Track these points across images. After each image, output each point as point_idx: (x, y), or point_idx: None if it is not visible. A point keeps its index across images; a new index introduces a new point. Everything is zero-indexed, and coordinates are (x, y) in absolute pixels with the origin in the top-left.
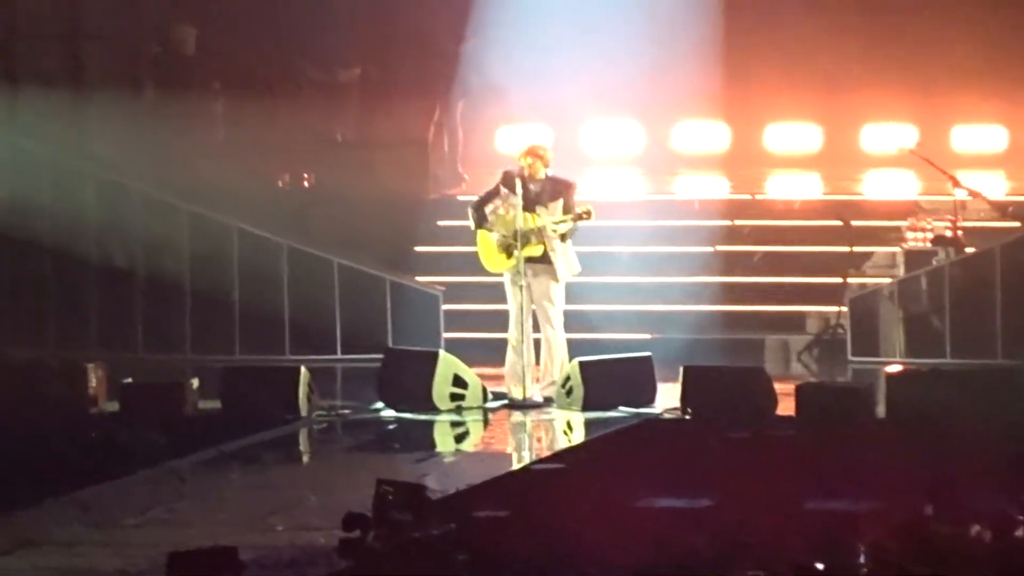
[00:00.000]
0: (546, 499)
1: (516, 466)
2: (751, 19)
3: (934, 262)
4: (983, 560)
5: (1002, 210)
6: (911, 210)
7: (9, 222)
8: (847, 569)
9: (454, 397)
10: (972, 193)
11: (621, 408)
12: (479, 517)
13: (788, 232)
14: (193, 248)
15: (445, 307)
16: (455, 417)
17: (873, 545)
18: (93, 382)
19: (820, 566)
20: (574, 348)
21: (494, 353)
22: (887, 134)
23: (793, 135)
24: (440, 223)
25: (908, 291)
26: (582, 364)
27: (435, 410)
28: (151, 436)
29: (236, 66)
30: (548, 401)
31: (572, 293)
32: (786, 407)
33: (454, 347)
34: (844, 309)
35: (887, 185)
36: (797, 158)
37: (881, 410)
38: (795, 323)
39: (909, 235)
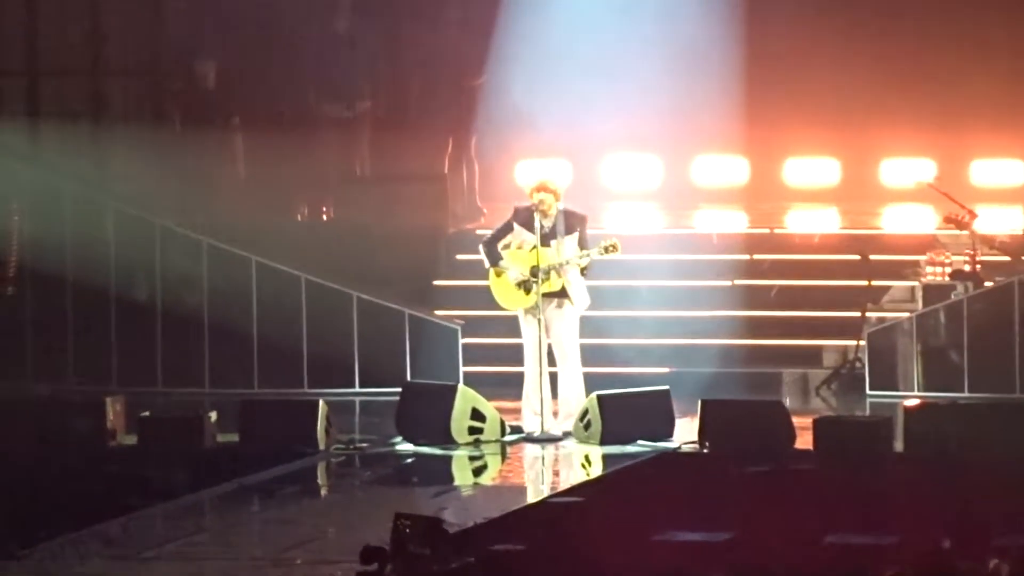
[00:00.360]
0: (564, 533)
1: (534, 500)
2: (770, 54)
3: (952, 296)
4: None
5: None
6: (930, 244)
7: (32, 256)
8: None
9: (472, 431)
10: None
11: (639, 442)
12: (497, 551)
13: (807, 266)
14: (212, 282)
15: (464, 341)
16: (473, 451)
17: None
18: (111, 415)
19: None
20: (592, 382)
21: (512, 387)
22: (906, 168)
23: (812, 169)
24: (459, 257)
25: (926, 325)
26: (600, 398)
27: (453, 444)
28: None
29: (255, 100)
30: (566, 435)
31: (590, 326)
32: (804, 441)
33: (473, 381)
34: (862, 343)
35: (906, 219)
36: (816, 192)
37: (899, 444)
38: (813, 357)
39: (928, 269)
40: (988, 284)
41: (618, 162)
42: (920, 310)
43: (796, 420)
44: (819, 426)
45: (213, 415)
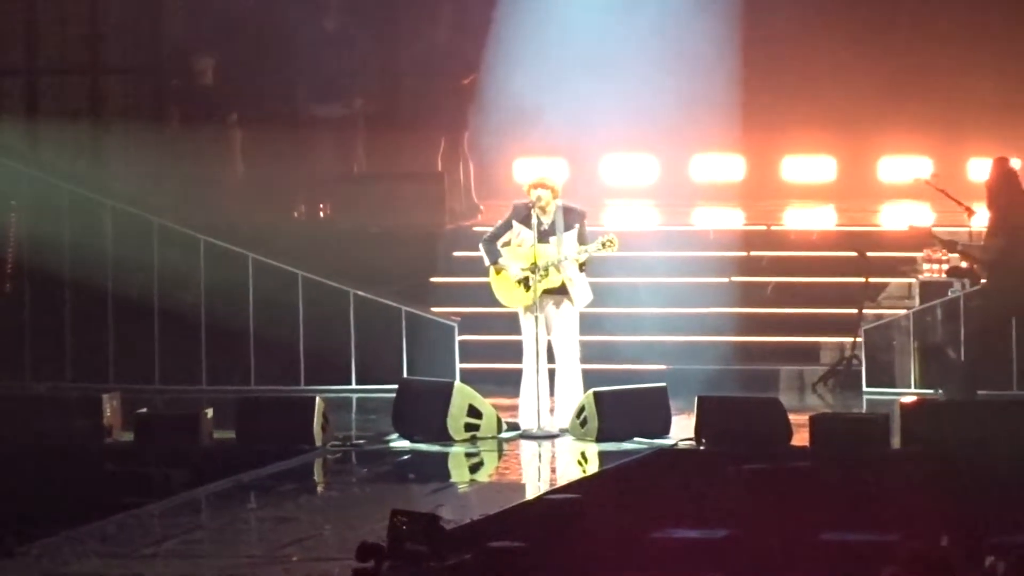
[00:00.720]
0: (561, 530)
1: (531, 497)
2: (768, 53)
3: (949, 293)
4: None
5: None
6: (927, 241)
7: (30, 254)
8: None
9: (469, 428)
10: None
11: (636, 439)
12: (494, 547)
13: (804, 263)
14: (209, 279)
15: (460, 338)
16: (470, 448)
17: None
18: (108, 412)
19: None
20: (589, 379)
21: (509, 384)
22: (903, 166)
23: (809, 167)
24: (456, 254)
25: (923, 322)
26: (597, 395)
27: (450, 441)
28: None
29: (253, 98)
30: (563, 432)
31: (588, 324)
32: (801, 438)
33: (469, 378)
34: (859, 340)
35: (903, 216)
36: (813, 189)
37: (896, 441)
38: (810, 354)
39: (924, 266)
40: (985, 281)
41: (616, 160)
42: (917, 307)
43: (793, 417)
44: (816, 423)
45: (210, 412)
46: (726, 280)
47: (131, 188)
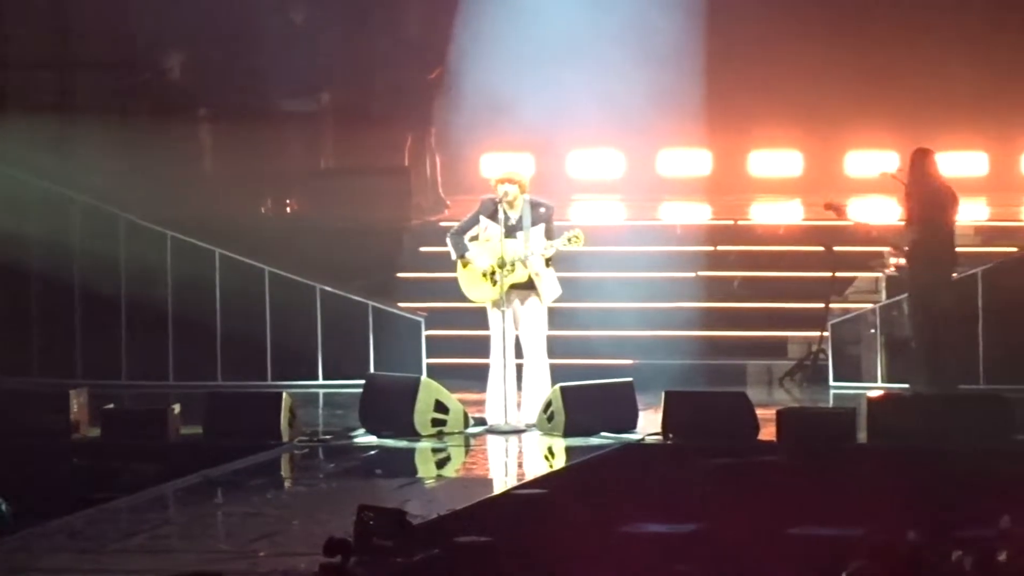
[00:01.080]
0: (528, 524)
1: (498, 492)
2: (735, 49)
3: None
4: None
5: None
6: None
7: None
8: None
9: (436, 423)
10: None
11: (603, 433)
12: (461, 543)
13: (771, 257)
14: (176, 275)
15: (427, 333)
16: (437, 443)
17: (856, 571)
18: (75, 408)
19: None
20: (556, 374)
21: (476, 379)
22: (870, 161)
23: (776, 162)
24: (422, 249)
25: (890, 316)
26: (563, 389)
27: (417, 436)
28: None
29: (221, 93)
30: (530, 427)
31: (555, 319)
32: (768, 432)
33: (436, 373)
34: (826, 334)
35: (870, 211)
36: (780, 184)
37: (863, 435)
38: (777, 348)
39: (891, 260)
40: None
41: (582, 155)
42: (884, 301)
43: (760, 411)
44: (783, 417)
45: (177, 408)
46: (693, 275)
47: (99, 183)
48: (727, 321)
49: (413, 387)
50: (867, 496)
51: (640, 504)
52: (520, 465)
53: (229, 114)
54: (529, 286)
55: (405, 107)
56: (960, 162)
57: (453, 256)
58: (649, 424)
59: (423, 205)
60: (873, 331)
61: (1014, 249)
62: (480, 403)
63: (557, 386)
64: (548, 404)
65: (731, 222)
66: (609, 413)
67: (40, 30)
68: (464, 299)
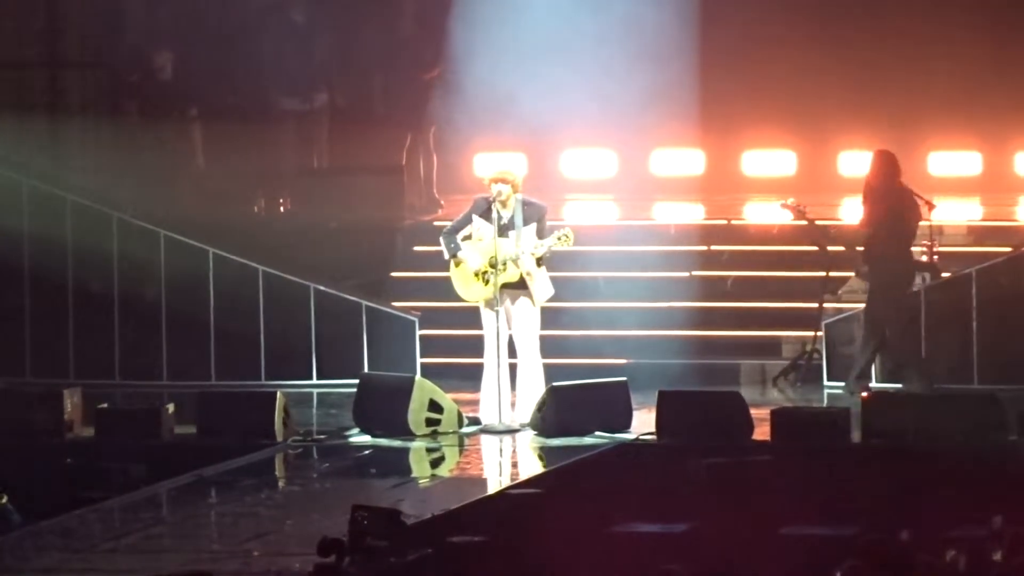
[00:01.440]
0: (522, 524)
1: (492, 491)
2: (728, 49)
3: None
4: None
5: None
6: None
7: None
8: None
9: (430, 422)
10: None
11: (596, 433)
12: (455, 542)
13: (764, 257)
14: (169, 274)
15: (421, 332)
16: (431, 442)
17: (848, 570)
18: (68, 408)
19: None
20: (550, 373)
21: (470, 378)
22: (863, 160)
23: (769, 161)
24: (416, 248)
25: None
26: (557, 389)
27: (411, 435)
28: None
29: (213, 92)
30: (524, 426)
31: (548, 318)
32: (762, 432)
33: (430, 372)
34: (820, 334)
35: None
36: (774, 183)
37: (856, 435)
38: (771, 348)
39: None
40: (945, 275)
41: (576, 155)
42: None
43: (754, 411)
44: (777, 417)
45: (171, 407)
46: (687, 275)
47: (90, 182)
48: (721, 321)
49: (407, 387)
50: (860, 496)
51: (633, 504)
52: (514, 465)
53: (221, 113)
54: (521, 285)
55: (405, 107)
56: (953, 162)
57: (446, 255)
58: (643, 424)
59: (416, 205)
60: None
61: (1008, 249)
62: (474, 403)
63: (551, 385)
64: (542, 403)
65: (725, 222)
66: (603, 413)
67: (32, 29)
68: (458, 298)
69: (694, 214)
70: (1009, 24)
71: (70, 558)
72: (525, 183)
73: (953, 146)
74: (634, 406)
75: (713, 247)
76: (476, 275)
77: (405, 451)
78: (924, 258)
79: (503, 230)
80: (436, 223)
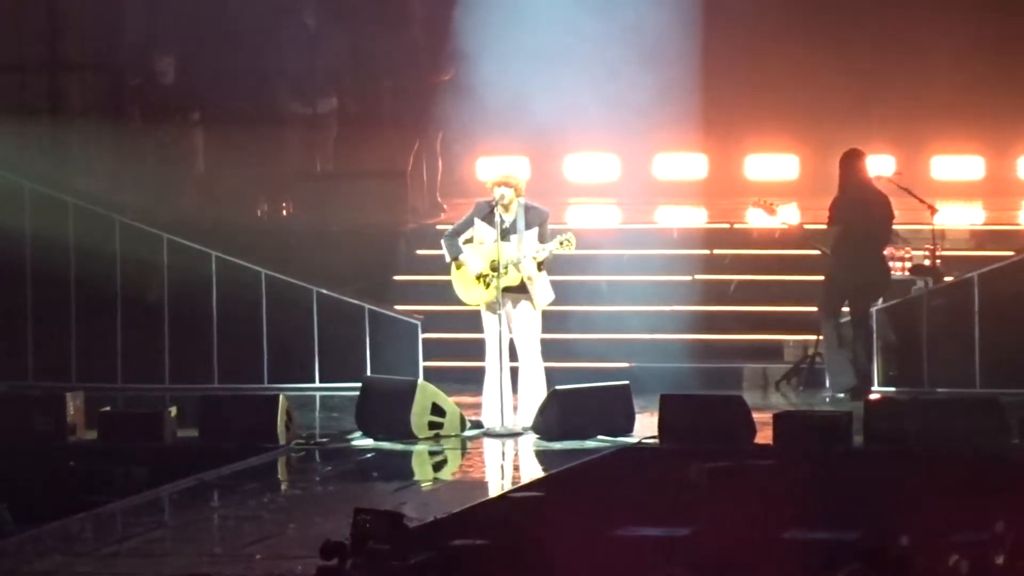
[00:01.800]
0: (524, 527)
1: (494, 494)
2: (730, 53)
3: (912, 291)
4: None
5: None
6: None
7: None
8: None
9: (432, 426)
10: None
11: (599, 436)
12: (457, 545)
13: (767, 261)
14: (172, 277)
15: (424, 336)
16: (433, 446)
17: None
18: (71, 411)
19: None
20: (552, 377)
21: (472, 382)
22: (867, 165)
23: (772, 165)
24: (419, 252)
25: (886, 320)
26: (559, 392)
27: (413, 439)
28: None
29: (215, 96)
30: (526, 429)
31: (551, 322)
32: (764, 436)
33: (433, 376)
34: (821, 338)
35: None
36: (776, 187)
37: (859, 439)
38: (773, 352)
39: (888, 264)
40: (948, 279)
41: (578, 159)
42: (880, 305)
43: (756, 415)
44: (779, 421)
45: (173, 410)
46: (689, 278)
47: (92, 186)
48: (723, 324)
49: (410, 390)
50: (862, 500)
51: (635, 507)
52: (516, 468)
53: (224, 117)
54: (522, 290)
55: (415, 110)
56: (956, 166)
57: (447, 258)
58: (645, 427)
59: (419, 208)
60: (871, 335)
61: (1010, 253)
62: (477, 406)
63: (553, 389)
64: (544, 407)
65: (727, 225)
66: (605, 416)
67: (32, 32)
68: (460, 302)
69: (697, 218)
70: (1012, 29)
71: (72, 562)
72: (528, 187)
73: (956, 150)
74: (636, 410)
75: (715, 251)
76: (477, 278)
77: (407, 454)
78: (926, 262)
79: (505, 234)
80: (439, 227)
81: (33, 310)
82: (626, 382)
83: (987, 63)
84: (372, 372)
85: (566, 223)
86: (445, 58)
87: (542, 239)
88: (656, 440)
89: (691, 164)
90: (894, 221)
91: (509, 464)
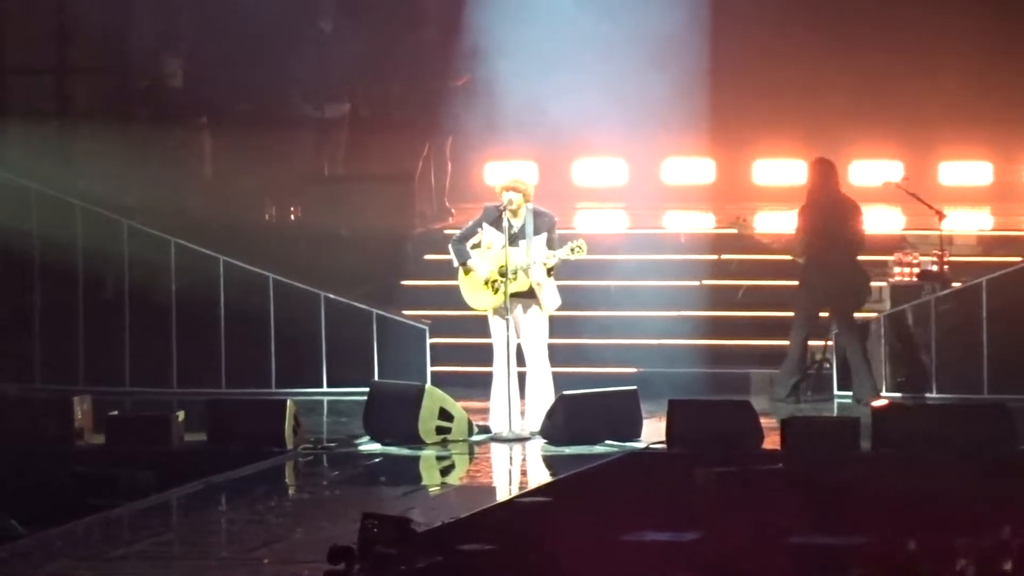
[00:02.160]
0: (532, 532)
1: (501, 500)
2: (738, 58)
3: (921, 296)
4: None
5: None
6: (897, 244)
7: None
8: None
9: (440, 431)
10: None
11: (607, 442)
12: (465, 550)
13: (775, 266)
14: (180, 281)
15: (431, 341)
16: (441, 451)
17: None
18: (79, 415)
19: None
20: (560, 382)
21: (480, 387)
22: (874, 169)
23: (780, 170)
24: (426, 257)
25: (894, 325)
26: (567, 398)
27: (421, 444)
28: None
29: (223, 99)
30: (533, 434)
31: (559, 327)
32: (772, 441)
33: (440, 381)
34: (830, 343)
35: (874, 220)
36: (784, 192)
37: (867, 444)
38: (781, 357)
39: (895, 269)
40: (956, 284)
41: (586, 164)
42: (888, 310)
43: (764, 420)
44: (787, 426)
45: (181, 415)
46: (697, 283)
47: (99, 189)
48: (731, 330)
49: (417, 395)
50: (870, 505)
51: (643, 512)
52: (524, 473)
53: (232, 120)
54: (530, 295)
55: (427, 115)
56: (964, 172)
57: (455, 263)
58: (653, 432)
59: (427, 213)
60: (879, 340)
61: (1018, 259)
62: (484, 411)
63: (561, 394)
64: (552, 412)
65: (735, 231)
66: (613, 421)
67: (40, 35)
68: (468, 306)
69: (705, 223)
70: (1021, 35)
71: (78, 565)
72: (536, 192)
73: (964, 156)
74: (644, 415)
75: (723, 256)
76: (485, 283)
77: (415, 459)
78: (934, 268)
79: (513, 239)
80: (447, 231)
81: (41, 313)
82: (634, 387)
83: (995, 69)
84: (380, 377)
85: (574, 228)
86: (458, 62)
87: (550, 244)
88: (664, 445)
89: (699, 169)
90: (863, 226)
91: (517, 469)
